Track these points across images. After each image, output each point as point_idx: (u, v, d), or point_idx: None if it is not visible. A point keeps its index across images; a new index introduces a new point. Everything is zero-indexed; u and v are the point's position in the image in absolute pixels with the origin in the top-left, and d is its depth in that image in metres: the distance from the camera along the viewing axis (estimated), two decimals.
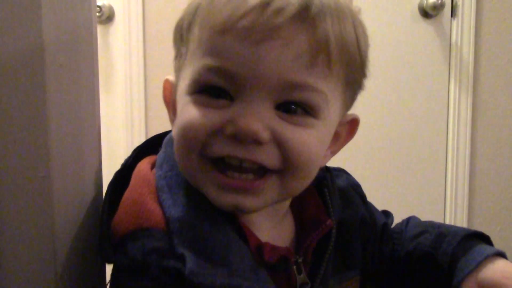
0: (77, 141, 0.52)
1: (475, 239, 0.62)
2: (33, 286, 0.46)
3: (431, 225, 0.67)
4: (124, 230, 0.48)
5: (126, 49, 1.62)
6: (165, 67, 1.61)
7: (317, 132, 0.49)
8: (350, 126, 0.57)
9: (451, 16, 1.67)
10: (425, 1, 1.63)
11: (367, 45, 0.53)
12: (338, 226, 0.58)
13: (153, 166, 0.54)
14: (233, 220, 0.50)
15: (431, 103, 1.70)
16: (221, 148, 0.46)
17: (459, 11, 1.66)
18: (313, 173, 0.52)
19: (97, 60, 0.58)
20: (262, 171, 0.47)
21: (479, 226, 1.75)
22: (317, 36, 0.45)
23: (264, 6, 0.44)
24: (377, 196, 1.65)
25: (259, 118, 0.46)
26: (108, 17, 1.61)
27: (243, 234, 0.51)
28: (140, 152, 0.57)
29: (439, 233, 0.64)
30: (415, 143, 1.70)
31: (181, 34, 0.52)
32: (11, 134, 0.44)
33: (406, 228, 0.68)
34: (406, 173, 1.71)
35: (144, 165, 0.54)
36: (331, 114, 0.50)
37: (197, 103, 0.47)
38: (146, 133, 1.65)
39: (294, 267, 0.54)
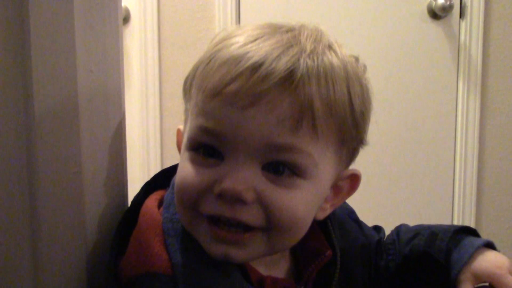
0: (106, 164, 0.58)
1: (464, 233, 0.66)
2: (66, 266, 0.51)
3: (421, 227, 0.69)
4: (132, 272, 0.51)
5: (141, 50, 1.66)
6: (179, 68, 1.65)
7: (304, 193, 0.50)
8: (351, 181, 0.58)
9: (460, 17, 1.68)
10: (434, 2, 1.64)
11: (365, 105, 0.54)
12: (341, 256, 0.60)
13: (160, 203, 0.56)
14: None
15: (439, 103, 1.71)
16: (210, 207, 0.49)
17: (468, 12, 1.67)
18: (301, 231, 0.53)
19: (124, 98, 0.63)
20: (249, 227, 0.50)
21: (487, 225, 1.77)
22: (300, 100, 0.46)
23: (251, 73, 0.46)
24: (386, 197, 1.69)
25: (244, 179, 0.47)
26: (124, 19, 1.65)
27: (245, 269, 0.52)
28: (148, 188, 0.59)
29: (431, 232, 0.67)
30: (423, 143, 1.72)
31: (185, 92, 0.55)
32: (50, 160, 0.49)
33: (398, 236, 0.70)
34: (414, 173, 1.73)
35: (151, 202, 0.56)
36: (321, 174, 0.51)
37: (192, 161, 0.50)
38: (161, 132, 1.69)
39: None
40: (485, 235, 0.65)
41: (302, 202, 0.50)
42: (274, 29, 0.51)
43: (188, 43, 1.64)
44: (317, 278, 0.59)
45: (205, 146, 0.50)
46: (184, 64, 1.64)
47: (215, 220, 0.50)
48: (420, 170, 1.73)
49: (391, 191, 1.71)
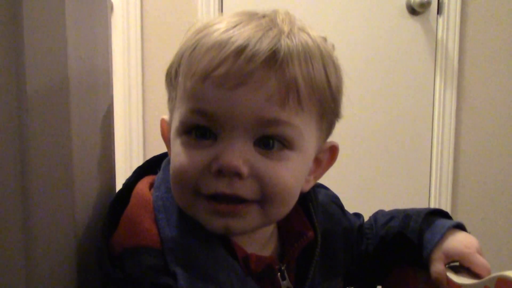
0: (95, 147, 0.59)
1: (436, 215, 0.69)
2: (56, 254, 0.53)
3: (396, 211, 0.73)
4: (123, 246, 0.53)
5: (124, 41, 1.67)
6: (162, 60, 1.66)
7: (293, 164, 0.54)
8: (330, 153, 0.62)
9: (437, 13, 1.72)
10: None
11: (339, 80, 0.57)
12: (322, 237, 0.62)
13: (151, 186, 0.59)
14: (222, 236, 0.55)
15: (417, 97, 1.75)
16: (210, 186, 0.52)
17: (445, 8, 1.71)
18: (292, 201, 0.56)
19: (112, 84, 0.65)
20: (245, 200, 0.53)
21: (462, 215, 1.81)
22: (286, 78, 0.50)
23: (236, 55, 0.49)
24: (364, 190, 1.73)
25: (239, 154, 0.51)
26: None
27: (232, 247, 0.55)
28: (140, 172, 0.62)
29: (405, 215, 0.70)
30: (401, 136, 1.76)
31: (170, 80, 0.57)
32: (41, 146, 0.50)
33: (375, 221, 0.74)
34: (392, 166, 1.77)
35: (143, 185, 0.59)
36: (306, 145, 0.55)
37: (186, 145, 0.53)
38: (144, 123, 1.70)
39: (279, 274, 0.59)
40: None
41: (292, 173, 0.54)
42: (251, 16, 0.55)
43: (171, 35, 1.65)
44: (299, 258, 0.61)
45: (198, 128, 0.52)
46: (167, 55, 1.64)
47: (214, 197, 0.52)
48: (398, 162, 1.77)
49: (369, 184, 1.75)
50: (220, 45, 0.50)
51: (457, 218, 1.80)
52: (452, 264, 0.65)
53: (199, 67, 0.51)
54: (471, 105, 1.80)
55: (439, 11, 1.72)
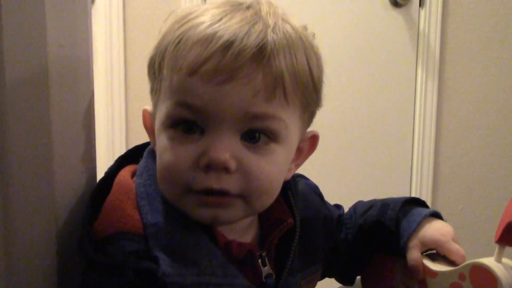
0: (74, 135, 0.59)
1: (413, 203, 0.71)
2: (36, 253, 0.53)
3: (375, 201, 0.75)
4: (105, 232, 0.53)
5: (106, 32, 1.66)
6: (145, 51, 1.65)
7: (278, 156, 0.55)
8: (311, 141, 0.63)
9: (419, 5, 1.74)
10: None
11: (320, 70, 0.58)
12: (301, 225, 0.64)
13: (133, 174, 0.59)
14: (203, 224, 0.55)
15: (399, 88, 1.77)
16: (200, 183, 0.52)
17: (427, 1, 1.72)
18: (276, 192, 0.58)
19: (92, 72, 0.64)
20: (231, 194, 0.53)
21: (442, 205, 1.84)
22: (273, 73, 0.51)
23: (224, 51, 0.49)
24: (345, 181, 1.74)
25: (227, 149, 0.51)
26: None
27: (213, 234, 0.56)
28: (122, 161, 0.62)
29: (383, 204, 0.72)
30: (383, 127, 1.77)
31: (154, 72, 0.57)
32: (21, 134, 0.50)
33: (355, 211, 0.76)
34: (374, 157, 1.78)
35: (125, 173, 0.59)
36: (290, 137, 0.56)
37: (173, 139, 0.53)
38: (126, 115, 1.69)
39: (260, 260, 0.59)
40: (441, 214, 0.70)
41: (277, 166, 0.55)
42: (235, 7, 0.54)
43: (153, 25, 1.65)
44: (279, 245, 0.62)
45: (184, 122, 0.53)
46: (149, 46, 1.64)
47: (203, 192, 0.53)
48: (380, 154, 1.79)
49: (350, 175, 1.76)
50: (206, 39, 0.50)
51: (437, 208, 1.83)
52: (429, 252, 0.67)
53: (185, 62, 0.51)
54: (452, 96, 1.82)
55: (421, 3, 1.74)
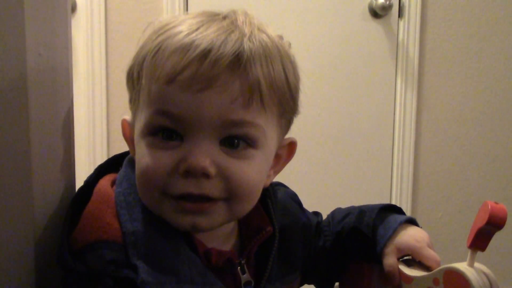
0: (53, 143, 0.59)
1: (390, 210, 0.72)
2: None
3: (352, 208, 0.76)
4: (84, 241, 0.53)
5: (88, 41, 1.65)
6: (126, 59, 1.65)
7: (257, 162, 0.56)
8: (289, 148, 0.64)
9: (399, 16, 1.76)
10: (375, 2, 1.71)
11: (297, 78, 0.59)
12: (280, 233, 0.65)
13: (113, 183, 0.59)
14: (183, 232, 0.56)
15: (379, 98, 1.79)
16: (178, 187, 0.53)
17: (406, 12, 1.75)
18: (256, 196, 0.59)
19: (72, 80, 0.65)
20: (211, 199, 0.54)
21: (422, 213, 1.86)
22: (249, 81, 0.52)
23: (201, 59, 0.50)
24: (325, 190, 1.75)
25: (207, 155, 0.52)
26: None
27: (193, 242, 0.56)
28: (102, 170, 0.62)
29: (360, 211, 0.73)
30: (363, 136, 1.79)
31: (132, 82, 0.57)
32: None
33: (333, 218, 0.77)
34: (354, 166, 1.79)
35: (105, 181, 0.59)
36: (269, 143, 0.57)
37: (152, 146, 0.54)
38: (108, 125, 1.68)
39: (239, 268, 0.60)
40: (420, 223, 0.71)
41: (256, 170, 0.56)
42: (211, 17, 0.55)
43: (135, 34, 1.64)
44: (258, 253, 0.63)
45: (164, 130, 0.53)
46: (131, 55, 1.64)
47: (181, 197, 0.53)
48: (360, 163, 1.80)
49: (330, 183, 1.77)
50: (183, 48, 0.51)
51: (417, 216, 1.86)
52: (405, 258, 0.68)
53: (163, 71, 0.52)
54: (430, 106, 1.84)
55: (400, 14, 1.76)
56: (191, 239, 0.57)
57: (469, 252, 0.59)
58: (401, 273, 0.66)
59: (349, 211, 0.75)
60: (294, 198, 0.75)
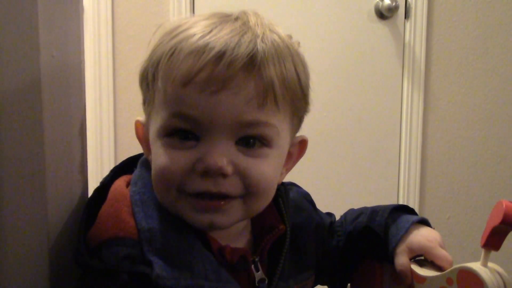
0: (67, 145, 0.60)
1: (402, 210, 0.72)
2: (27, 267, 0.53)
3: (365, 208, 0.76)
4: (101, 238, 0.54)
5: (95, 43, 1.65)
6: (133, 62, 1.66)
7: (272, 159, 0.57)
8: (300, 146, 0.65)
9: (405, 17, 1.76)
10: (381, 3, 1.71)
11: (307, 77, 0.60)
12: (293, 231, 0.65)
13: (128, 183, 0.60)
14: (197, 230, 0.56)
15: (386, 99, 1.78)
16: (196, 185, 0.54)
17: (412, 13, 1.75)
18: (272, 193, 0.60)
19: (84, 82, 0.66)
20: (229, 197, 0.55)
21: (429, 214, 1.85)
22: (263, 81, 0.53)
23: (217, 61, 0.51)
24: (333, 189, 1.75)
25: (223, 154, 0.53)
26: None
27: (207, 240, 0.57)
28: (117, 171, 0.63)
29: (372, 210, 0.73)
30: (370, 137, 1.79)
31: (147, 83, 0.58)
32: (14, 141, 0.51)
33: (345, 218, 0.77)
34: (361, 167, 1.79)
35: (120, 182, 0.60)
36: (282, 142, 0.58)
37: (169, 146, 0.55)
38: (115, 126, 1.69)
39: (252, 265, 0.60)
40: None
41: (271, 168, 0.57)
42: (223, 18, 0.56)
43: (142, 36, 1.65)
44: (271, 250, 0.63)
45: (180, 131, 0.54)
46: (138, 57, 1.65)
47: (198, 195, 0.54)
48: (367, 164, 1.80)
49: (337, 184, 1.77)
50: (198, 51, 0.52)
51: (425, 217, 1.85)
52: (418, 258, 0.68)
53: (179, 73, 0.52)
54: (437, 107, 1.84)
55: (407, 15, 1.76)
56: (205, 236, 0.57)
57: (482, 251, 0.59)
58: (413, 273, 0.65)
59: (362, 211, 0.76)
60: (307, 197, 0.75)
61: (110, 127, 1.68)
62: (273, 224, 0.63)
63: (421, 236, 0.67)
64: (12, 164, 0.50)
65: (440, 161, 1.87)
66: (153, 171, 0.56)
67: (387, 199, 1.81)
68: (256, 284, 0.61)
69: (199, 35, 0.53)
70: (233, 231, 0.61)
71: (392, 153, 1.82)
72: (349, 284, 0.78)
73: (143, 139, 0.61)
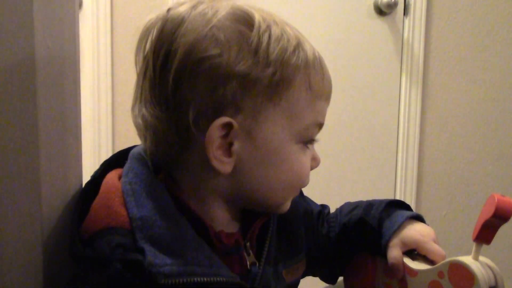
0: (61, 138, 0.60)
1: (397, 206, 0.73)
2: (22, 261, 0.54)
3: (361, 202, 0.77)
4: (94, 229, 0.54)
5: (94, 37, 1.66)
6: (132, 56, 1.65)
7: None
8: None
9: (404, 14, 1.76)
10: (380, 0, 1.72)
11: None
12: (280, 218, 0.67)
13: (119, 177, 0.61)
14: (190, 216, 0.57)
15: (383, 96, 1.79)
16: (308, 180, 0.62)
17: (411, 9, 1.76)
18: None
19: (79, 74, 0.66)
20: None
21: (426, 211, 1.87)
22: None
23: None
24: (330, 186, 1.75)
25: None
26: None
27: (204, 227, 0.57)
28: (107, 165, 0.64)
29: (368, 204, 0.74)
30: (367, 134, 1.79)
31: (270, 81, 0.55)
32: (8, 133, 0.51)
33: (341, 211, 0.78)
34: (358, 164, 1.80)
35: (112, 175, 0.61)
36: None
37: (304, 153, 0.60)
38: (113, 120, 1.69)
39: (244, 250, 0.62)
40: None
41: None
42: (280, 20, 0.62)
43: (141, 30, 1.65)
44: (259, 236, 0.65)
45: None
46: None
47: None
48: (364, 161, 1.80)
49: (335, 181, 1.77)
50: (320, 63, 0.62)
51: (421, 214, 1.86)
52: (415, 254, 0.68)
53: (327, 86, 0.62)
54: (435, 104, 1.84)
55: (406, 12, 1.76)
56: (203, 223, 0.57)
57: (474, 245, 0.60)
58: (405, 266, 0.66)
59: (357, 204, 0.77)
60: None
61: (108, 121, 1.68)
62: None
63: (415, 230, 0.67)
64: (5, 157, 0.51)
65: (437, 158, 1.88)
66: (287, 173, 0.59)
67: (384, 196, 1.80)
68: (248, 268, 0.62)
69: (309, 46, 0.62)
70: (228, 218, 0.62)
71: (390, 149, 1.82)
72: (340, 278, 0.78)
73: (223, 143, 0.56)
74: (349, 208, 0.77)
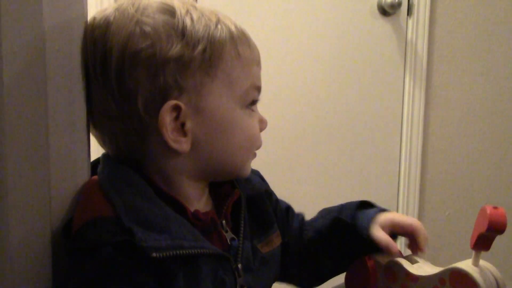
0: (70, 135, 0.61)
1: (368, 205, 0.78)
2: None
3: (334, 206, 0.81)
4: (80, 222, 0.57)
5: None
6: None
7: None
8: None
9: (408, 14, 1.76)
10: (383, 0, 1.71)
11: None
12: (249, 199, 0.72)
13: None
14: (168, 199, 0.60)
15: (387, 96, 1.79)
16: (260, 142, 0.67)
17: (415, 10, 1.75)
18: None
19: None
20: None
21: (430, 211, 1.86)
22: None
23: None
24: (333, 186, 1.75)
25: None
26: None
27: (181, 207, 0.61)
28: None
29: (340, 206, 0.80)
30: (371, 135, 1.79)
31: (203, 60, 0.59)
32: (17, 126, 0.53)
33: (318, 215, 0.83)
34: (362, 164, 1.79)
35: (91, 178, 0.64)
36: None
37: (249, 115, 0.64)
38: None
39: (221, 227, 0.66)
40: (428, 221, 0.76)
41: None
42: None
43: None
44: (233, 215, 0.69)
45: (255, 101, 0.66)
46: None
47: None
48: (367, 161, 1.80)
49: (337, 182, 1.77)
50: (246, 35, 0.65)
51: (425, 213, 1.86)
52: (406, 255, 0.69)
53: (256, 54, 0.66)
54: (438, 104, 1.84)
55: (409, 12, 1.76)
56: (180, 204, 0.61)
57: (473, 252, 0.60)
58: (407, 272, 0.67)
59: (331, 209, 0.81)
60: (255, 172, 0.79)
61: None
62: (228, 192, 0.69)
63: (388, 214, 0.74)
64: (15, 142, 0.52)
65: (441, 158, 1.88)
66: (239, 138, 0.63)
67: (387, 195, 1.83)
68: (229, 243, 0.66)
69: (230, 21, 0.63)
70: (201, 198, 0.66)
71: (393, 149, 1.82)
72: (343, 281, 0.79)
73: (175, 122, 0.61)
74: (324, 212, 0.82)
